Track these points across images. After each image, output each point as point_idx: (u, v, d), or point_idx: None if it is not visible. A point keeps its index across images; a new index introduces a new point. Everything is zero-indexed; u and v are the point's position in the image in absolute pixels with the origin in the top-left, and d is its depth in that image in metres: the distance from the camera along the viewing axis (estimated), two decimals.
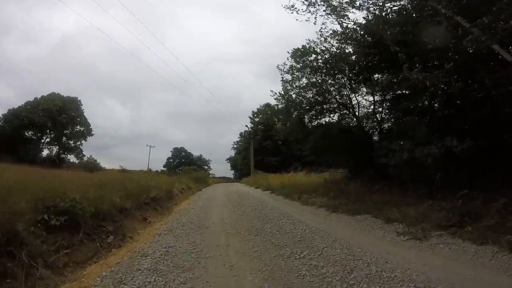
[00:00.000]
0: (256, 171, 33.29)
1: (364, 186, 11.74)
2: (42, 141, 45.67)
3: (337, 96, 14.46)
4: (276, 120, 57.76)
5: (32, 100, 44.37)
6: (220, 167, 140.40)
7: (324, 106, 14.79)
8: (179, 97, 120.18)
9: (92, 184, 8.24)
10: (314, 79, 14.29)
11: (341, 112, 15.05)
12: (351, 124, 14.69)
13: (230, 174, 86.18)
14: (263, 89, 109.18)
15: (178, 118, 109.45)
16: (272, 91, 15.83)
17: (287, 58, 15.07)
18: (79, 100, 49.06)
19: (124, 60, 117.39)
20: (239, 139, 69.94)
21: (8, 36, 74.85)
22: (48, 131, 44.67)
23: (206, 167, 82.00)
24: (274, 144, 50.45)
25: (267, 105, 58.50)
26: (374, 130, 14.01)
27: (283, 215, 8.30)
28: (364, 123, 14.35)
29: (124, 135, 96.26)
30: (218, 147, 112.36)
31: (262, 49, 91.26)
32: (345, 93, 14.42)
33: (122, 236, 6.10)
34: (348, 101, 14.57)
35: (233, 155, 73.29)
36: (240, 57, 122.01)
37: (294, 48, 14.76)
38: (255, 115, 57.40)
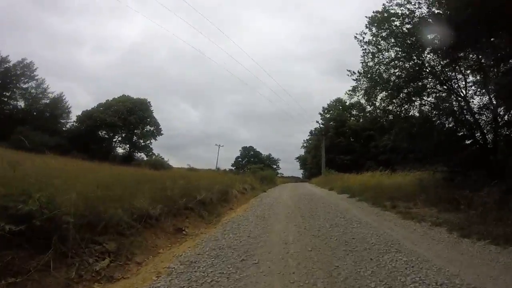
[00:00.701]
0: (328, 170, 29.44)
1: (473, 190, 7.89)
2: (114, 140, 49.56)
3: (438, 73, 10.50)
4: (349, 115, 52.55)
5: (104, 102, 48.49)
6: (289, 167, 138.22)
7: (420, 83, 10.88)
8: (248, 97, 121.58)
9: (123, 180, 6.63)
10: (405, 50, 10.54)
11: (442, 95, 10.99)
12: (455, 109, 10.43)
13: (299, 173, 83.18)
14: (331, 86, 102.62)
15: (247, 118, 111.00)
16: (349, 70, 12.33)
17: (365, 26, 11.53)
18: (149, 102, 51.87)
19: (192, 63, 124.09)
20: (309, 137, 66.21)
21: (83, 47, 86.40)
22: (119, 130, 48.13)
23: (274, 166, 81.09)
24: (346, 142, 45.32)
25: (338, 101, 53.46)
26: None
27: (385, 241, 5.08)
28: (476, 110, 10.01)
29: (195, 135, 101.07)
30: (287, 146, 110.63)
31: (324, 45, 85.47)
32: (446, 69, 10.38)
33: (126, 260, 3.95)
34: (450, 82, 10.55)
35: (303, 154, 70.20)
36: (304, 55, 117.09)
37: (373, 12, 11.24)
38: (326, 111, 52.87)
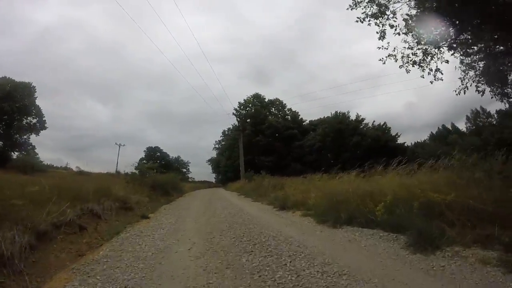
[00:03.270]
0: (251, 173, 23.04)
1: None
2: None
3: None
4: (268, 112, 48.52)
5: None
6: (202, 170, 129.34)
7: None
8: (161, 97, 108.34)
9: None
10: None
11: None
12: None
13: (211, 177, 75.75)
14: (248, 90, 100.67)
15: (159, 118, 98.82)
16: None
17: None
18: (33, 86, 37.94)
19: (105, 56, 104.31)
20: (221, 137, 59.67)
21: None
22: None
23: (184, 170, 71.75)
24: (266, 141, 40.66)
25: (256, 96, 48.71)
26: None
27: None
28: None
29: (103, 136, 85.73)
30: (199, 150, 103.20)
31: (245, 48, 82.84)
32: None
33: None
34: None
35: (215, 156, 63.11)
36: (224, 56, 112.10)
37: None
38: (242, 107, 46.98)
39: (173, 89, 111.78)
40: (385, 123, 37.96)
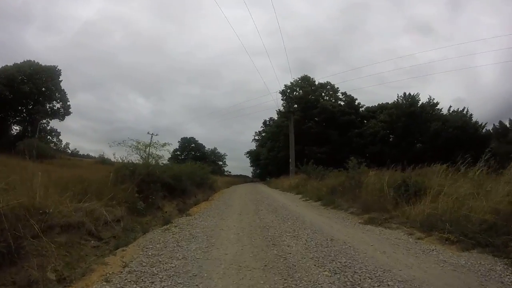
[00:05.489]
0: (312, 166, 16.02)
1: None
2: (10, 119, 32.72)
3: None
4: (320, 95, 40.74)
5: None
6: (239, 165, 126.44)
7: None
8: (203, 90, 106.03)
9: None
10: None
11: None
12: None
13: (248, 171, 70.37)
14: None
15: (199, 112, 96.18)
16: None
17: None
18: (58, 69, 34.77)
19: (146, 51, 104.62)
20: (262, 128, 53.29)
21: (29, 25, 64.61)
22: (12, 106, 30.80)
23: (220, 163, 67.27)
24: (318, 128, 33.22)
25: (305, 79, 41.10)
26: None
27: None
28: None
29: (144, 129, 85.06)
30: (237, 144, 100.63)
31: (289, 42, 75.34)
32: None
33: None
34: None
35: (255, 148, 57.06)
36: (267, 49, 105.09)
37: None
38: (289, 91, 39.40)
39: (215, 83, 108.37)
40: (464, 108, 28.66)
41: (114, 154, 9.27)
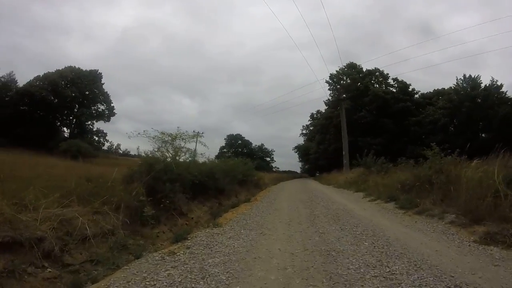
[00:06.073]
0: (372, 159, 13.64)
1: None
2: (59, 123, 35.17)
3: None
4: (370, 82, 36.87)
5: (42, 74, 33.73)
6: (286, 161, 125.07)
7: None
8: (245, 88, 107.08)
9: None
10: None
11: None
12: None
13: (296, 167, 68.26)
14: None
15: (244, 110, 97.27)
16: None
17: None
18: (99, 73, 37.15)
19: (185, 53, 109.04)
20: (309, 122, 50.67)
21: (69, 36, 72.20)
22: (59, 110, 33.17)
23: (268, 159, 66.33)
24: (370, 117, 29.85)
25: (351, 66, 37.47)
26: None
27: None
28: None
29: (191, 129, 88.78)
30: (284, 140, 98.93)
31: (328, 33, 71.39)
32: None
33: None
34: None
35: (303, 142, 54.77)
36: (305, 43, 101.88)
37: None
38: (335, 80, 36.22)
39: (257, 80, 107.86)
40: None
41: (137, 148, 8.51)
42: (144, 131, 7.71)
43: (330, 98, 34.21)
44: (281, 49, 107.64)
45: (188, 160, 7.76)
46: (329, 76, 35.52)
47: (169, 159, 6.59)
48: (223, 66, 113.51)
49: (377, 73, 36.00)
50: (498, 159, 5.33)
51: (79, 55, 66.98)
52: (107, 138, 38.76)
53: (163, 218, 5.54)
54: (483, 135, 25.61)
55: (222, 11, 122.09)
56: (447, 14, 78.23)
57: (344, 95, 33.60)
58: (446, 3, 78.19)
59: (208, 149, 13.87)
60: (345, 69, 36.61)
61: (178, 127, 8.25)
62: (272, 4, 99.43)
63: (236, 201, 9.02)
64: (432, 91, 33.63)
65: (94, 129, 37.10)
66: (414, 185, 7.15)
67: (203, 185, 7.79)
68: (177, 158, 7.42)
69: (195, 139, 9.05)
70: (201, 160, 9.28)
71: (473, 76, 25.86)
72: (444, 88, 31.32)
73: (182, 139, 8.35)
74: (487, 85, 25.16)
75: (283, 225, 5.38)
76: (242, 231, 4.88)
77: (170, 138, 7.45)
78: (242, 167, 11.97)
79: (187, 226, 6.03)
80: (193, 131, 9.02)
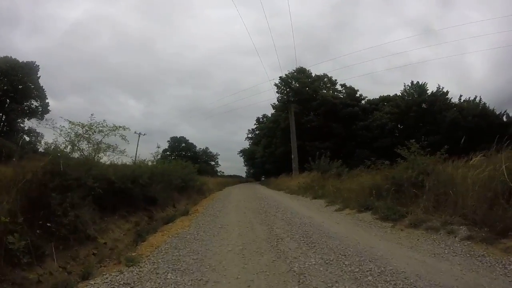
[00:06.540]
0: (325, 161, 12.71)
1: None
2: None
3: None
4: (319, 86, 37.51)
5: None
6: (232, 165, 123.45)
7: None
8: (194, 91, 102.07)
9: None
10: None
11: None
12: None
13: (242, 171, 67.18)
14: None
15: (191, 114, 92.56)
16: None
17: None
18: (36, 65, 31.86)
19: (135, 52, 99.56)
20: (255, 126, 49.87)
21: (16, 28, 59.08)
22: None
23: (213, 163, 63.90)
24: (319, 121, 30.06)
25: (300, 71, 37.77)
26: None
27: None
28: None
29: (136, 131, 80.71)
30: (231, 144, 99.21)
31: (279, 40, 71.19)
32: None
33: None
34: None
35: (248, 146, 53.78)
36: (257, 48, 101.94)
37: None
38: (284, 84, 35.89)
39: (206, 84, 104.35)
40: (476, 97, 26.24)
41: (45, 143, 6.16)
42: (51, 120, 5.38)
43: (278, 101, 33.71)
44: (232, 53, 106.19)
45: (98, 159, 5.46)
46: (279, 79, 35.11)
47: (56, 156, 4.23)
48: (174, 68, 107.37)
49: (325, 79, 36.83)
50: (503, 155, 4.36)
51: (24, 47, 56.16)
52: (44, 139, 32.67)
53: (50, 248, 3.32)
54: (427, 139, 27.34)
55: (178, 11, 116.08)
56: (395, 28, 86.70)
57: (292, 99, 33.69)
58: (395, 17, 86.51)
59: (158, 148, 11.85)
60: (295, 73, 36.61)
61: (91, 114, 5.93)
62: (228, 8, 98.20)
63: (173, 213, 6.90)
64: (378, 97, 35.09)
65: (26, 128, 31.42)
66: (389, 190, 6.10)
67: (126, 194, 5.62)
68: (97, 156, 5.20)
69: (117, 132, 6.69)
70: (126, 160, 6.99)
71: (420, 83, 27.75)
72: (389, 95, 32.97)
73: (100, 131, 6.16)
74: (434, 91, 27.01)
75: (234, 257, 3.55)
76: (168, 276, 2.90)
77: (82, 130, 5.17)
78: (181, 171, 9.82)
79: (95, 256, 3.90)
80: (135, 132, 6.74)
